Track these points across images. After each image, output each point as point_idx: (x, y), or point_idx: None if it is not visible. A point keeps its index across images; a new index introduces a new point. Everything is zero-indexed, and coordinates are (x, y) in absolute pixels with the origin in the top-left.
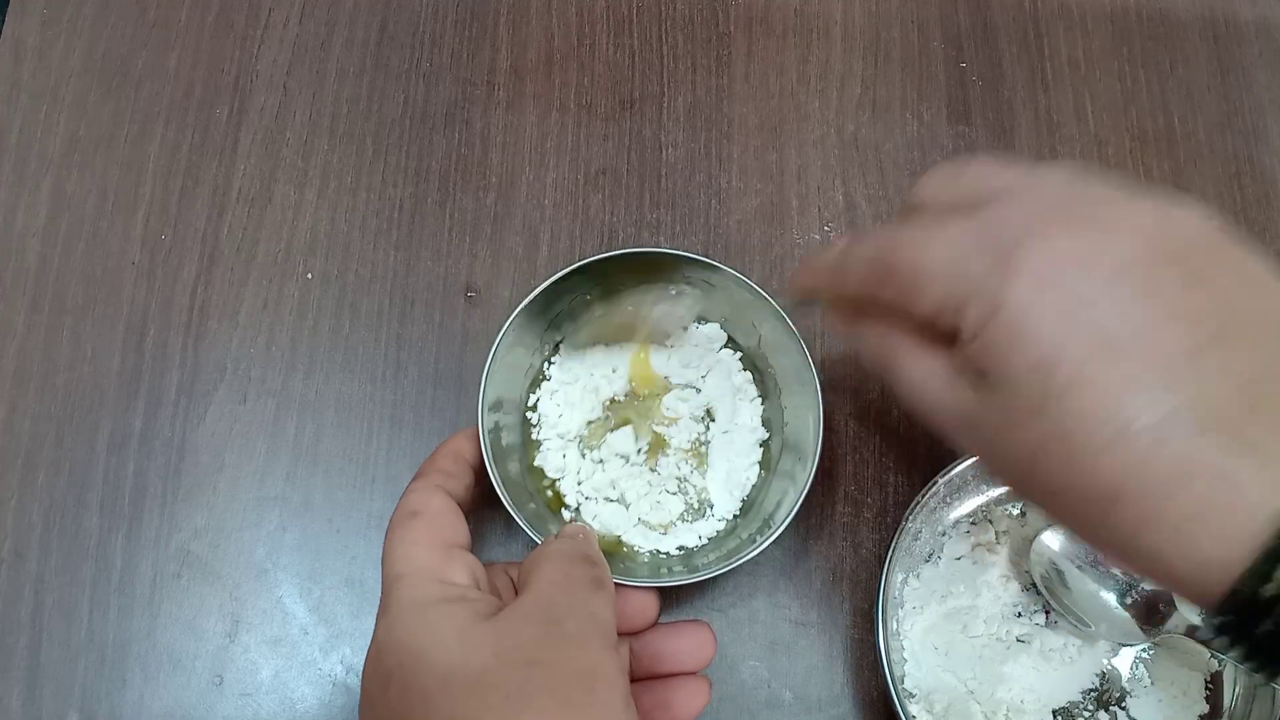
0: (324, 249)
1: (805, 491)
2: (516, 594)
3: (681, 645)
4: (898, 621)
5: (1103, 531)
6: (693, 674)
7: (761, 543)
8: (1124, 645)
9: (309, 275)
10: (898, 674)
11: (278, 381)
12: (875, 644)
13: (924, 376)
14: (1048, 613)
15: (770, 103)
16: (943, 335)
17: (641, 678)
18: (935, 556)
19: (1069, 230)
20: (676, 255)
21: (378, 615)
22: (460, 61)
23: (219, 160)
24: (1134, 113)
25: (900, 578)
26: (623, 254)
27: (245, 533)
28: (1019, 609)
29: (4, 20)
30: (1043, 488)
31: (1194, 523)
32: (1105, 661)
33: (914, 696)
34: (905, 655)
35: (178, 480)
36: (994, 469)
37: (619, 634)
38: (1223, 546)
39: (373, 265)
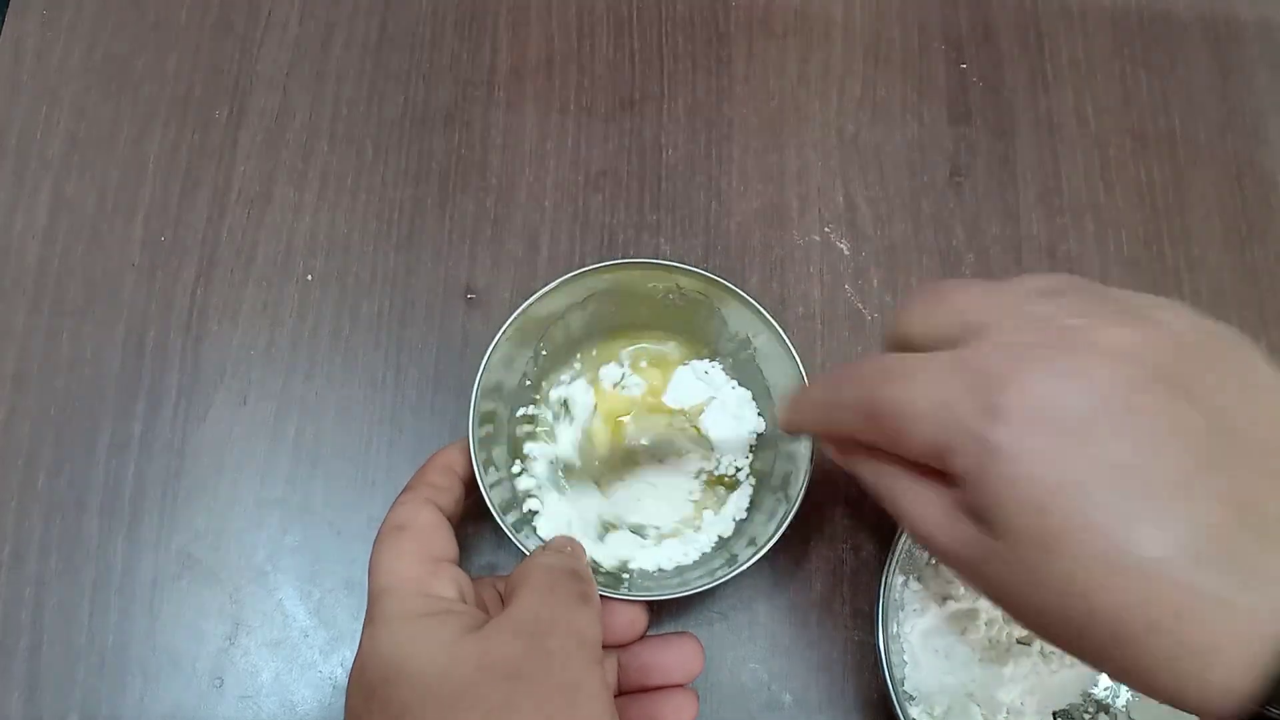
0: (324, 251)
1: (791, 515)
2: (504, 607)
3: (669, 658)
4: (898, 624)
5: (1114, 666)
6: (680, 687)
7: (741, 565)
8: None
9: (309, 277)
10: (898, 676)
11: (278, 383)
12: (875, 646)
13: (924, 513)
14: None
15: (770, 104)
16: (938, 472)
17: (629, 690)
18: (935, 559)
19: (1048, 367)
20: (671, 266)
21: (363, 628)
22: (460, 63)
23: (219, 161)
24: (1134, 114)
25: (900, 580)
26: (615, 264)
27: (245, 535)
28: None
29: (3, 21)
30: (1051, 628)
31: (1200, 655)
32: None
33: (914, 699)
34: (905, 658)
35: (178, 483)
36: (1002, 607)
37: (608, 646)
38: (1229, 675)
39: (373, 267)
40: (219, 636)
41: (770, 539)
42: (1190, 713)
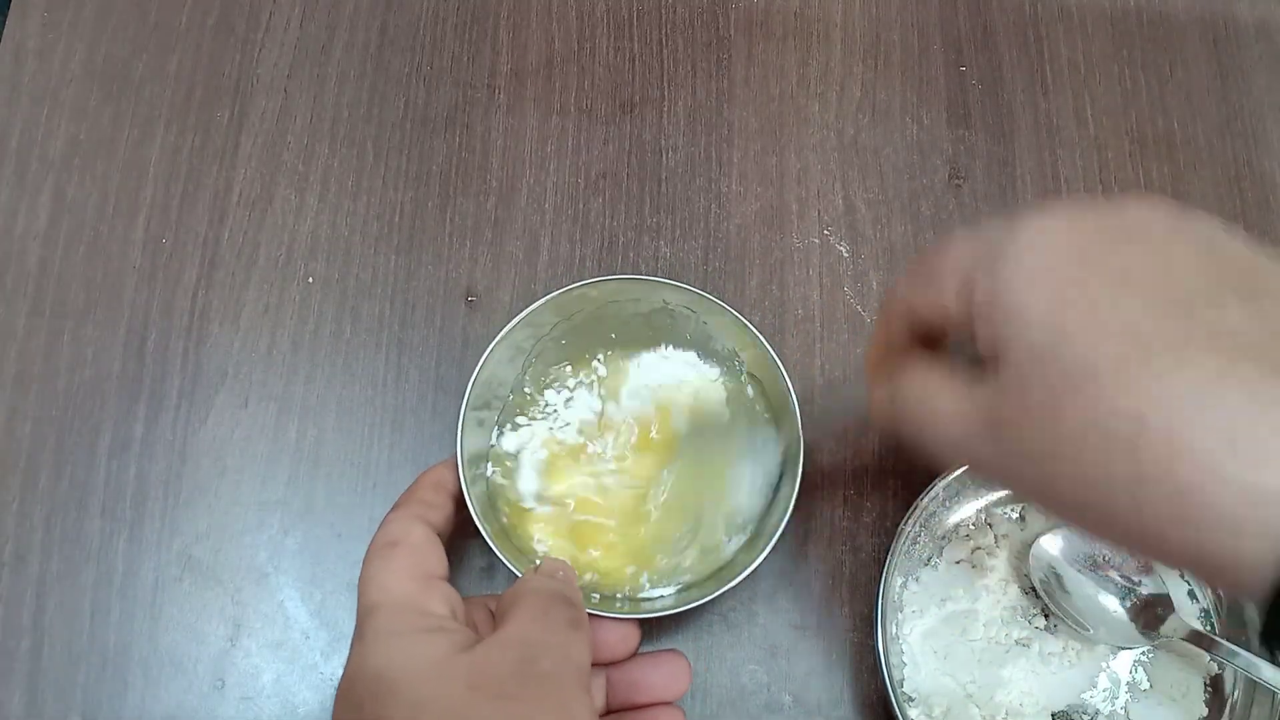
0: (325, 253)
1: (778, 534)
2: (495, 628)
3: (658, 676)
4: (897, 625)
5: (1121, 485)
6: (667, 704)
7: (721, 587)
8: (1123, 648)
9: (310, 279)
10: (897, 678)
11: (279, 386)
12: (874, 648)
13: (939, 395)
14: (1047, 616)
15: (770, 106)
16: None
17: (617, 708)
18: (934, 560)
19: (1081, 206)
20: (658, 283)
21: (352, 643)
22: (460, 65)
23: (220, 164)
24: (1134, 116)
25: (899, 581)
26: (602, 281)
27: (247, 537)
28: (1018, 612)
29: (5, 23)
30: (1060, 457)
31: (1226, 450)
32: (1104, 664)
33: (913, 700)
34: (904, 659)
35: (179, 484)
36: (1009, 467)
37: (600, 663)
38: (1276, 478)
39: (373, 269)
40: (220, 638)
41: (759, 556)
42: (1205, 557)
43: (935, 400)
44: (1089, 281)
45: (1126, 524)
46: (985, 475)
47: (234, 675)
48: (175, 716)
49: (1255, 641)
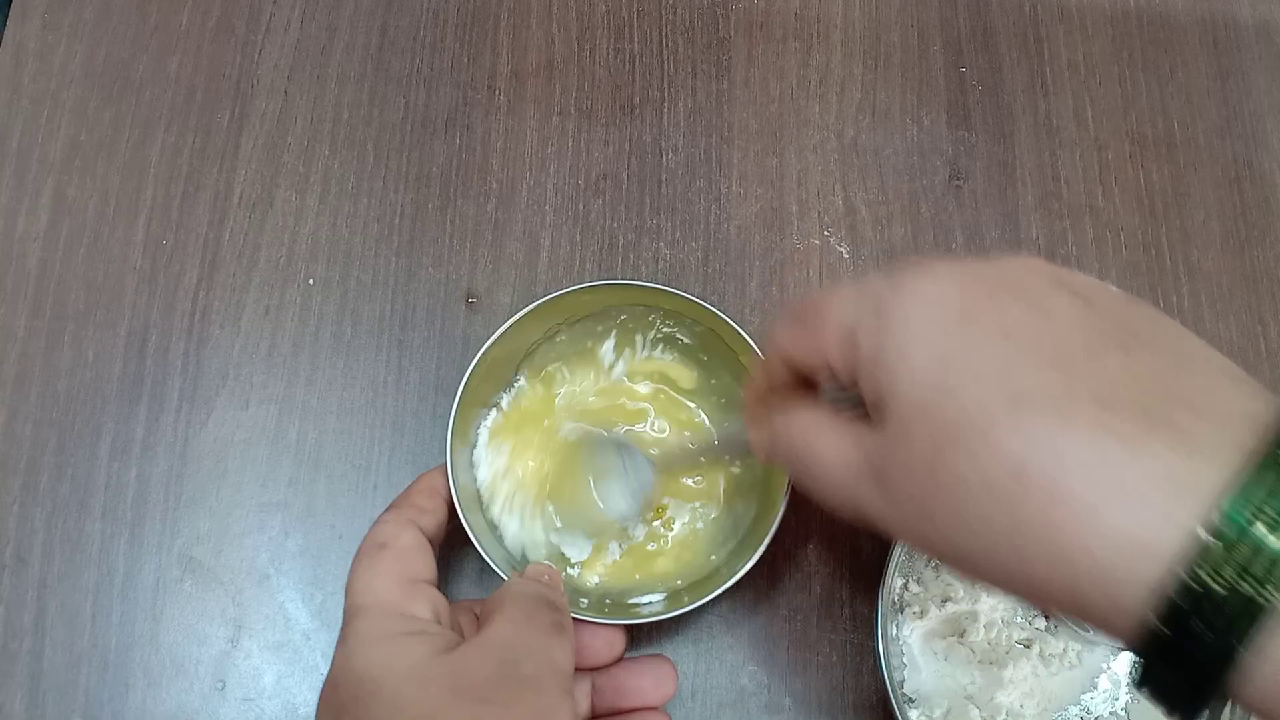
0: (325, 255)
1: (769, 539)
2: (479, 632)
3: (644, 681)
4: (897, 626)
5: (1000, 534)
6: (654, 709)
7: (715, 591)
8: (1123, 649)
9: (310, 281)
10: (897, 679)
11: (279, 387)
12: (875, 649)
13: (822, 442)
14: (1047, 617)
15: (770, 107)
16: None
17: (603, 713)
18: (935, 561)
19: (958, 260)
20: (651, 288)
21: (336, 645)
22: (461, 66)
23: (220, 165)
24: (1133, 117)
25: (900, 583)
26: (593, 286)
27: (248, 538)
28: (1018, 613)
29: (5, 25)
30: (941, 507)
31: (1115, 502)
32: (1105, 666)
33: (914, 701)
34: (905, 660)
35: (180, 486)
36: (893, 516)
37: (586, 668)
38: (1151, 527)
39: (374, 271)
40: (221, 639)
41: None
42: (1085, 607)
43: (819, 447)
44: (970, 336)
45: (1008, 572)
46: (870, 523)
47: (235, 676)
48: (176, 717)
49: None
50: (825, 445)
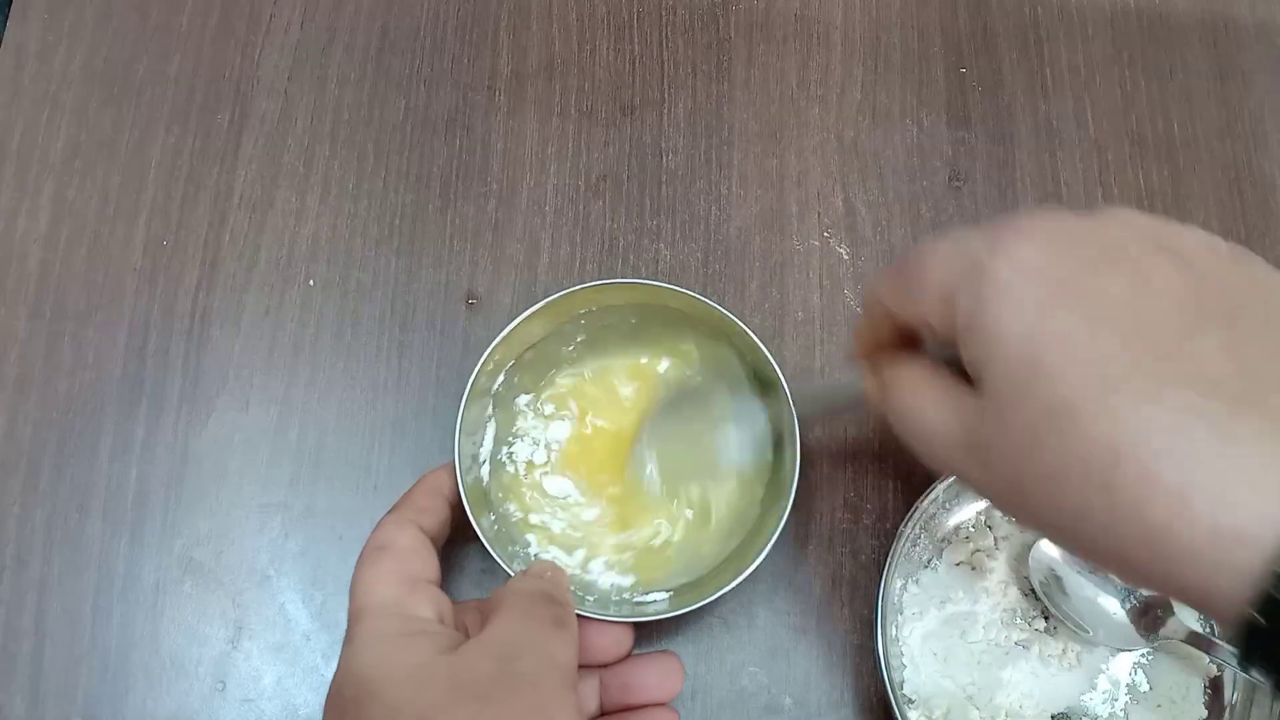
0: (325, 255)
1: (777, 532)
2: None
3: (650, 677)
4: (897, 627)
5: (1095, 514)
6: (661, 705)
7: (718, 591)
8: (1123, 650)
9: (310, 282)
10: (897, 679)
11: (280, 388)
12: (874, 650)
13: (924, 398)
14: (1046, 618)
15: (770, 108)
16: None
17: (611, 709)
18: (934, 562)
19: (1062, 223)
20: (658, 287)
21: (342, 647)
22: (461, 67)
23: (220, 166)
24: (1134, 118)
25: (899, 584)
26: (600, 285)
27: (248, 539)
28: (1018, 614)
29: (5, 26)
30: (1036, 483)
31: (1199, 488)
32: (1104, 666)
33: (913, 702)
34: (904, 661)
35: (180, 487)
36: (989, 485)
37: (593, 665)
38: (1241, 518)
39: (374, 272)
40: (221, 640)
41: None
42: (1179, 586)
43: (922, 409)
44: (1066, 312)
45: (1105, 552)
46: (971, 488)
47: (235, 677)
48: (176, 718)
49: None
50: (928, 408)
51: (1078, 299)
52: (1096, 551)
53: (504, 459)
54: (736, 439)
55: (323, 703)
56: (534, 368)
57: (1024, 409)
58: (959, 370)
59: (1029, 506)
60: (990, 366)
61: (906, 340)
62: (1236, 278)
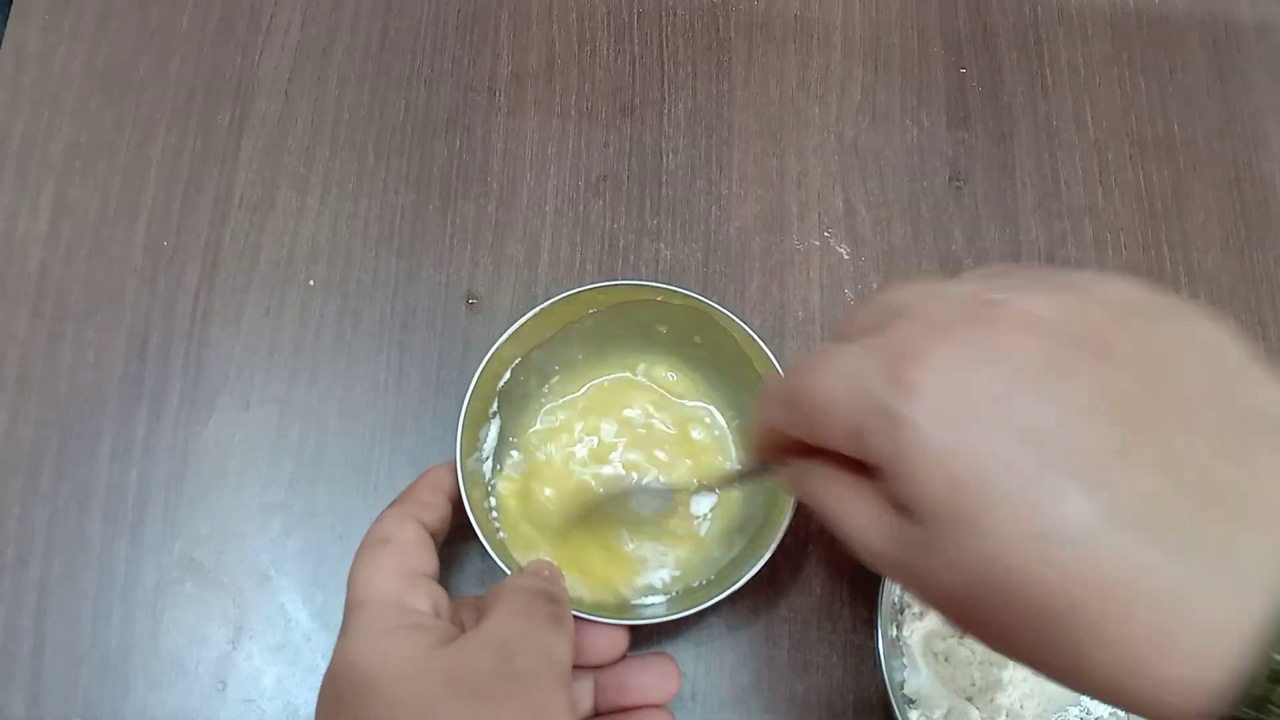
0: (326, 256)
1: (774, 545)
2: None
3: (646, 679)
4: (897, 627)
5: (1050, 660)
6: (657, 707)
7: (719, 595)
8: None
9: (311, 282)
10: (897, 680)
11: (280, 388)
12: (875, 650)
13: (851, 509)
14: None
15: (770, 108)
16: (865, 468)
17: (606, 711)
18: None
19: (963, 336)
20: (658, 288)
21: (337, 639)
22: (461, 67)
23: (221, 166)
24: (1133, 118)
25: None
26: (602, 286)
27: (248, 539)
28: None
29: (5, 26)
30: (981, 622)
31: (1147, 641)
32: None
33: (914, 702)
34: (905, 661)
35: (180, 487)
36: (936, 607)
37: (589, 666)
38: (1188, 667)
39: (374, 272)
40: (222, 640)
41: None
42: (1136, 712)
43: (847, 518)
44: (995, 450)
45: (1063, 682)
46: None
47: (235, 677)
48: (176, 718)
49: None
50: (853, 519)
51: (1002, 435)
52: (1055, 678)
53: (505, 459)
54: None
55: None
56: (539, 368)
57: (960, 559)
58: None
59: (981, 635)
60: (920, 510)
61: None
62: (1168, 363)
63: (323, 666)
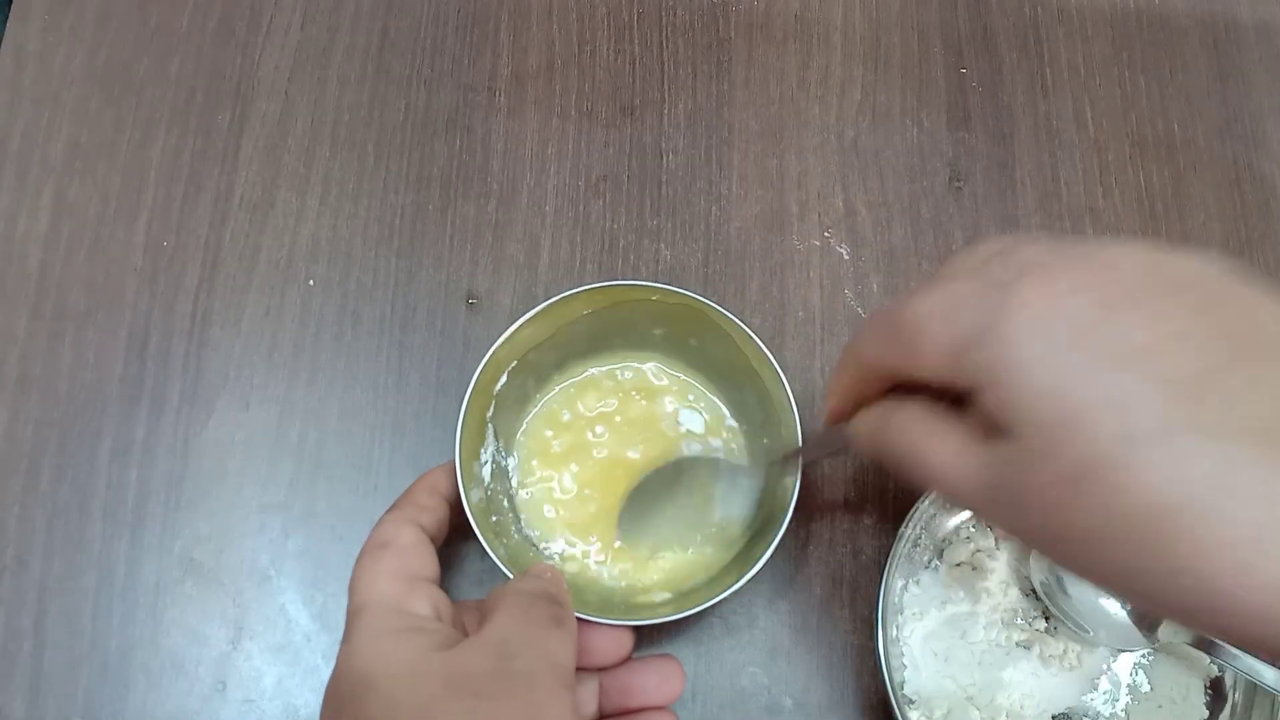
0: (326, 256)
1: (775, 543)
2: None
3: (650, 680)
4: (898, 627)
5: (1148, 573)
6: (661, 708)
7: (720, 594)
8: (1123, 650)
9: (311, 282)
10: (897, 680)
11: (280, 388)
12: (875, 650)
13: (936, 449)
14: (1047, 618)
15: (770, 109)
16: (953, 404)
17: (610, 713)
18: (935, 563)
19: (1068, 264)
20: (661, 288)
21: (340, 644)
22: (461, 67)
23: (221, 166)
24: (1133, 119)
25: (900, 584)
26: (599, 286)
27: (248, 540)
28: (1019, 614)
29: (5, 26)
30: (1079, 538)
31: (1252, 545)
32: (1105, 667)
33: (914, 702)
34: (905, 661)
35: (180, 487)
36: (1026, 534)
37: (592, 668)
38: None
39: (374, 272)
40: (222, 641)
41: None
42: (1236, 633)
43: (931, 455)
44: (1089, 361)
45: (1161, 606)
46: (994, 525)
47: (235, 678)
48: (176, 719)
49: None
50: (938, 454)
51: (1098, 344)
52: (1151, 603)
53: (505, 461)
54: (725, 500)
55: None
56: (537, 370)
57: (1058, 463)
58: (965, 418)
59: (1072, 558)
60: (1018, 420)
61: (893, 389)
62: (1247, 304)
63: (323, 667)
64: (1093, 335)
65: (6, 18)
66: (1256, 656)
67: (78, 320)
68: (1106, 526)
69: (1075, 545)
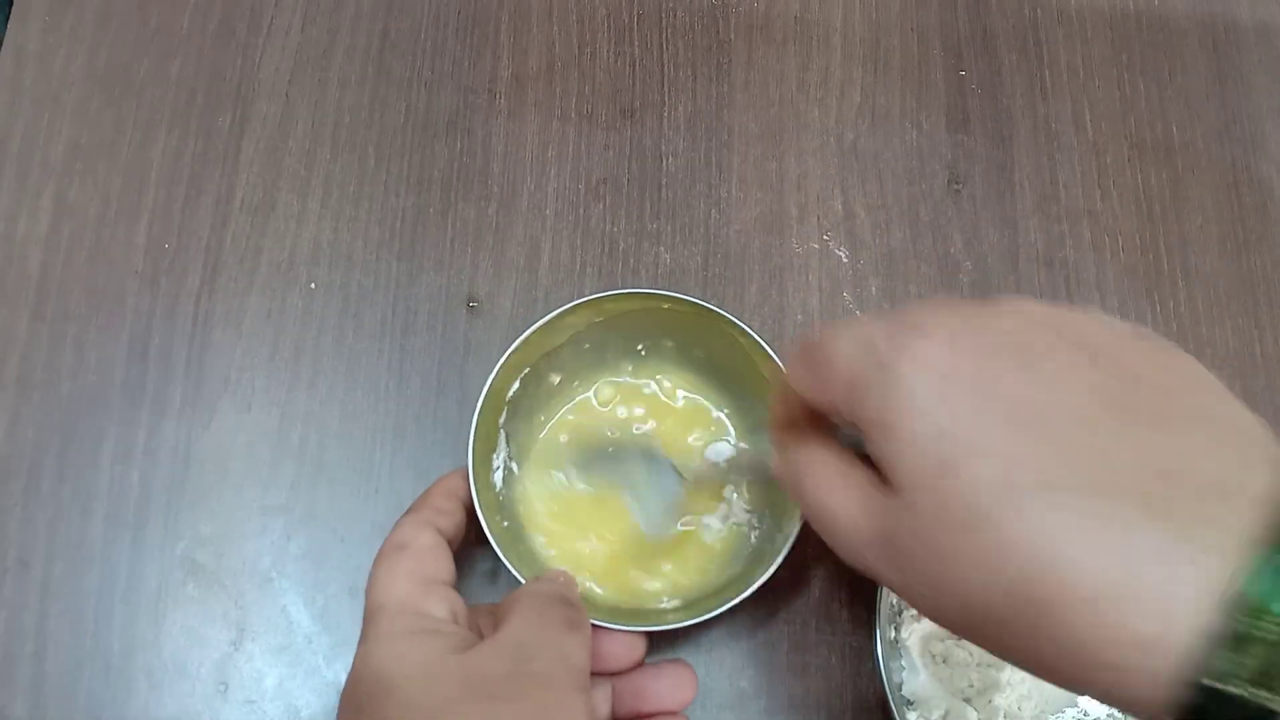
0: (327, 258)
1: (785, 551)
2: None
3: (663, 685)
4: (896, 629)
5: (1024, 635)
6: (673, 714)
7: (732, 599)
8: None
9: (312, 285)
10: (895, 681)
11: (281, 391)
12: (873, 651)
13: (838, 499)
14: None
15: (770, 111)
16: (858, 460)
17: (624, 717)
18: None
19: (964, 313)
20: (660, 294)
21: (358, 645)
22: (462, 69)
23: (222, 168)
24: (1132, 121)
25: None
26: (611, 295)
27: (250, 542)
28: None
29: (6, 27)
30: (960, 594)
31: (1114, 599)
32: None
33: (912, 704)
34: (903, 663)
35: (182, 489)
36: (907, 585)
37: (605, 673)
38: (1155, 627)
39: (375, 275)
40: (223, 642)
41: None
42: (1118, 697)
43: (830, 500)
44: (970, 410)
45: (1024, 659)
46: (881, 582)
47: (237, 679)
48: None
49: None
50: (837, 500)
51: (986, 398)
52: (1019, 660)
53: (515, 466)
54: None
55: (325, 705)
56: (550, 377)
57: (936, 512)
58: (870, 464)
59: (946, 612)
60: (899, 466)
61: (819, 420)
62: (1137, 364)
63: (324, 669)
64: (978, 385)
65: (7, 19)
66: None
67: (79, 322)
68: (978, 577)
69: (949, 597)
